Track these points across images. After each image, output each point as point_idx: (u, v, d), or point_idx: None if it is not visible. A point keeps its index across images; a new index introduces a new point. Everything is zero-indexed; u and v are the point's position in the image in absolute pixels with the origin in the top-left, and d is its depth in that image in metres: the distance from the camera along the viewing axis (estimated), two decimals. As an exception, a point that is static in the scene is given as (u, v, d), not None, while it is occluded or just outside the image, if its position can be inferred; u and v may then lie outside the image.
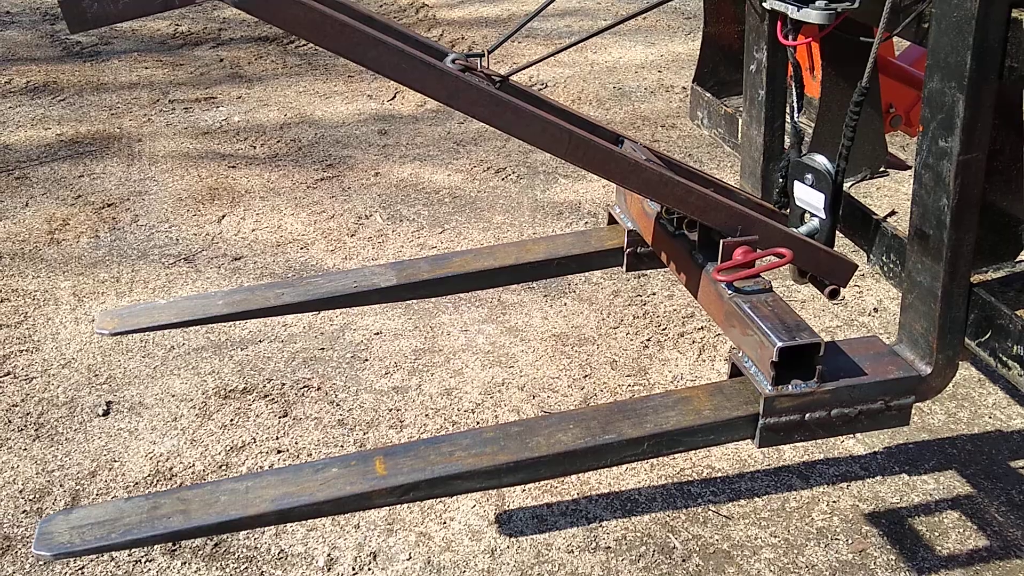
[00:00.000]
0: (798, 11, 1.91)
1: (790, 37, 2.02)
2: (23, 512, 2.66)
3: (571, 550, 2.55)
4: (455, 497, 2.69)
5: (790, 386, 1.71)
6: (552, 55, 2.08)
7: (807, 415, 1.74)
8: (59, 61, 6.22)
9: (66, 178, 4.63)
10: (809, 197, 1.99)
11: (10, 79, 5.89)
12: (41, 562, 2.48)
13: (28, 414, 3.04)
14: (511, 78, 1.96)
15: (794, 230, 1.98)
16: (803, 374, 1.72)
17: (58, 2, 1.34)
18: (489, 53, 1.86)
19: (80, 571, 2.47)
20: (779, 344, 1.66)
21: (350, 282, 2.21)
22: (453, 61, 1.80)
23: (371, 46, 1.52)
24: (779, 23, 2.07)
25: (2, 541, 2.56)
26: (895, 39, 2.07)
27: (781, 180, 2.08)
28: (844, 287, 2.00)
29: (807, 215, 2.04)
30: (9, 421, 3.00)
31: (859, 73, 1.85)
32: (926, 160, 1.73)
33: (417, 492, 1.59)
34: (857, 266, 2.00)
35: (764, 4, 2.07)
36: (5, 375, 3.22)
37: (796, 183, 2.02)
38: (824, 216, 1.98)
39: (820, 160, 1.96)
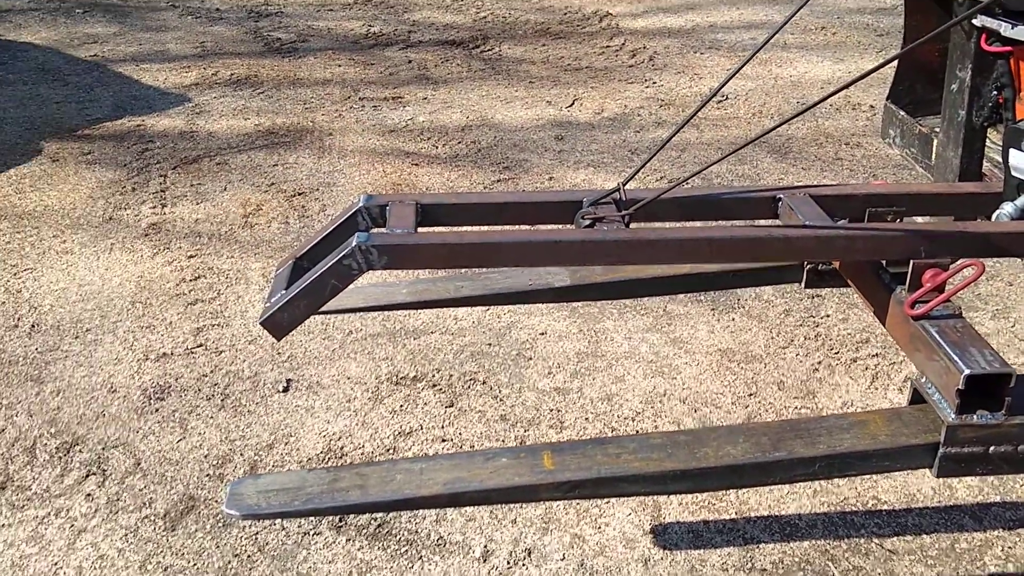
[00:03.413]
0: (1012, 28, 1.83)
1: (996, 47, 1.93)
2: (207, 476, 2.85)
3: (726, 568, 2.52)
4: (611, 502, 2.70)
5: (975, 416, 1.64)
6: (650, 158, 2.06)
7: (992, 448, 1.67)
8: (260, 56, 6.62)
9: (261, 166, 4.92)
10: None
11: (216, 71, 6.31)
12: (225, 521, 2.65)
13: (216, 384, 3.25)
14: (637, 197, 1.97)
15: (996, 221, 1.88)
16: (990, 405, 1.64)
17: (260, 324, 1.74)
18: (623, 186, 1.90)
19: (255, 536, 2.63)
20: (967, 371, 1.60)
21: (526, 279, 2.26)
22: (583, 216, 1.85)
23: (498, 252, 1.71)
24: (983, 36, 1.99)
25: (188, 501, 2.75)
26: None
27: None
28: None
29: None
30: (199, 390, 3.22)
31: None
32: None
33: (583, 490, 1.62)
34: None
35: (973, 21, 1.99)
36: (198, 346, 3.46)
37: (1012, 151, 1.90)
38: None
39: None
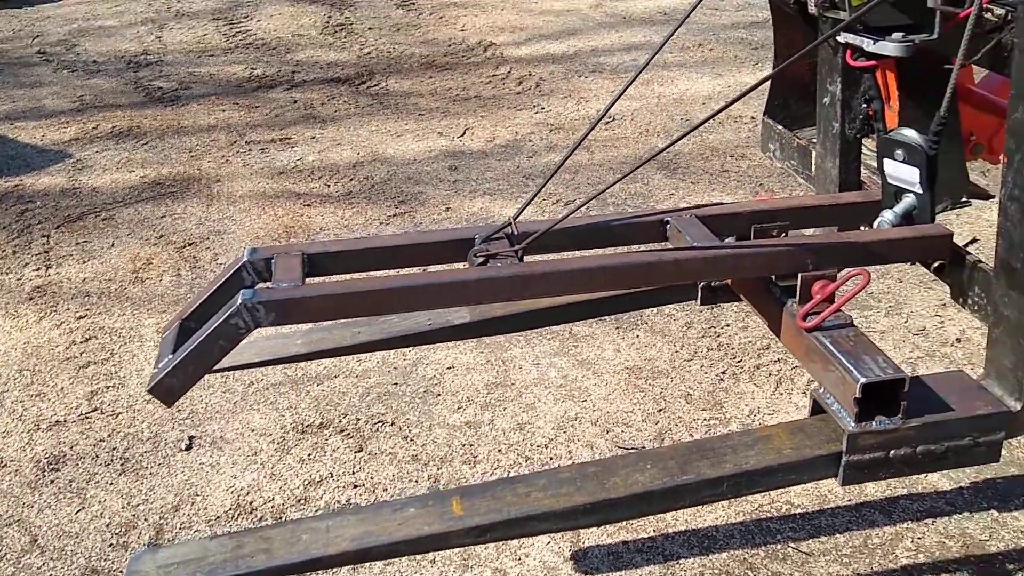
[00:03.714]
0: (874, 44, 1.90)
1: (861, 61, 2.00)
2: (110, 546, 2.73)
3: (648, 588, 2.52)
4: (530, 533, 2.68)
5: (874, 423, 1.68)
6: (547, 182, 2.07)
7: (892, 452, 1.70)
8: (142, 106, 6.45)
9: (149, 219, 4.78)
10: (902, 173, 1.94)
11: (96, 125, 6.12)
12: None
13: (114, 449, 3.12)
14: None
15: (877, 229, 1.94)
16: (887, 410, 1.68)
17: (148, 391, 1.69)
18: (515, 219, 1.90)
19: (164, 605, 2.52)
20: (863, 380, 1.63)
21: (424, 320, 2.23)
22: (476, 253, 1.85)
23: (391, 298, 1.68)
24: (848, 52, 2.05)
25: (90, 574, 2.62)
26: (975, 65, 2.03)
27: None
28: (947, 260, 1.95)
29: (901, 193, 1.98)
30: (97, 456, 3.09)
31: (937, 102, 1.82)
32: (1012, 192, 1.69)
33: (494, 533, 1.60)
34: (952, 232, 1.94)
35: (839, 38, 2.05)
36: (93, 411, 3.32)
37: (886, 160, 1.97)
38: (921, 191, 1.93)
39: (910, 133, 1.91)
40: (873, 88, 2.13)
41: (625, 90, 2.05)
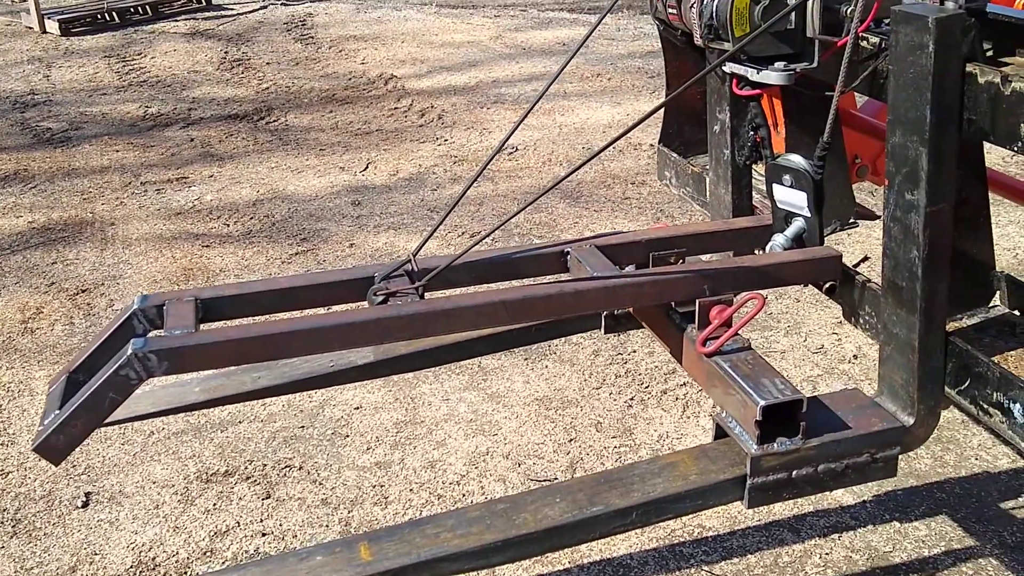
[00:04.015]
0: (758, 73, 1.95)
1: (747, 90, 2.05)
2: (2, 614, 2.59)
3: (565, 621, 2.51)
4: (445, 572, 2.64)
5: (776, 444, 1.70)
6: (447, 213, 2.09)
7: (794, 472, 1.73)
8: (29, 148, 6.23)
9: (39, 266, 4.60)
10: (790, 198, 1.99)
11: (-20, 169, 5.89)
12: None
13: (4, 510, 2.97)
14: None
15: (769, 252, 1.98)
16: (788, 432, 1.71)
17: (33, 450, 1.59)
18: (414, 256, 1.89)
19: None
20: (762, 403, 1.65)
21: (327, 361, 2.19)
22: (376, 292, 1.83)
23: (290, 342, 1.64)
24: (735, 80, 2.10)
25: (-20, 646, 2.49)
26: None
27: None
28: (838, 280, 2.00)
29: (791, 217, 2.04)
30: (-15, 519, 2.94)
31: (822, 128, 1.87)
32: (894, 213, 1.75)
33: (404, 577, 1.56)
34: (841, 254, 1.99)
35: (724, 68, 2.10)
36: (-20, 471, 3.16)
37: (775, 186, 2.02)
38: (809, 214, 1.98)
39: (796, 159, 1.96)
40: (760, 116, 2.19)
41: (521, 122, 2.05)
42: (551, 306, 1.78)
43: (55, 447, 1.56)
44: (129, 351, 1.54)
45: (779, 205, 2.04)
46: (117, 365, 1.54)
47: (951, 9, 1.63)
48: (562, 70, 2.09)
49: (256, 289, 1.86)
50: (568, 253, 2.00)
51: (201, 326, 1.72)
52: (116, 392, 1.56)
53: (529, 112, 2.05)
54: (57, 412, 1.59)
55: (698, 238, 2.13)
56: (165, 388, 2.18)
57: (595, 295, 1.80)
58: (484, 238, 1.94)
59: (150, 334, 1.74)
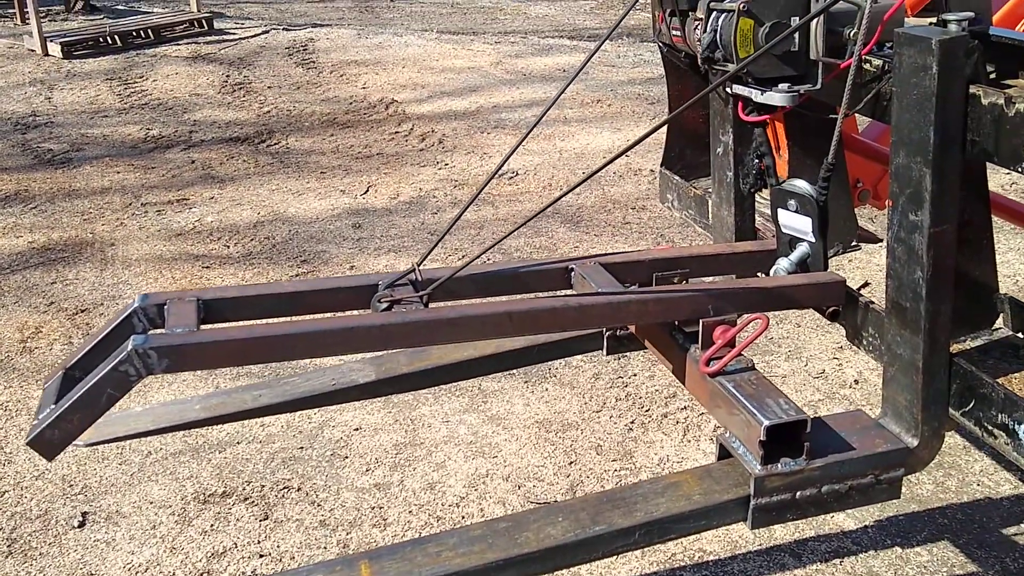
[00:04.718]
0: (762, 95, 1.95)
1: (753, 116, 2.06)
2: (-5, 634, 2.56)
3: (565, 645, 2.48)
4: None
5: (780, 464, 1.69)
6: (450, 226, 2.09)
7: (798, 493, 1.72)
8: (31, 169, 6.24)
9: (38, 285, 4.60)
10: (795, 223, 1.99)
11: (-19, 189, 5.90)
12: None
13: (1, 529, 2.95)
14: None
15: (774, 276, 1.98)
16: (792, 452, 1.70)
17: (27, 444, 1.55)
18: (419, 266, 1.90)
19: None
20: (766, 423, 1.64)
21: (328, 380, 2.18)
22: (380, 299, 1.83)
23: (291, 344, 1.62)
24: (740, 104, 2.11)
25: (-27, 666, 2.46)
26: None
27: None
28: (840, 305, 2.00)
29: (795, 242, 2.04)
30: (-19, 538, 2.92)
31: (825, 150, 1.88)
32: (898, 234, 1.75)
33: (405, 595, 1.55)
34: (845, 279, 1.99)
35: (727, 89, 2.11)
36: (-24, 490, 3.14)
37: (780, 211, 2.02)
38: (814, 239, 1.98)
39: (801, 184, 1.97)
40: (764, 144, 2.20)
41: (521, 143, 2.06)
42: (556, 319, 1.77)
43: (49, 441, 1.53)
44: (130, 347, 1.52)
45: (784, 230, 2.04)
46: (116, 361, 1.52)
47: (954, 32, 1.64)
48: (561, 94, 2.10)
49: (259, 292, 1.85)
50: (572, 269, 2.00)
51: (202, 327, 1.71)
52: (114, 388, 1.53)
53: (528, 134, 2.06)
54: (53, 407, 1.55)
55: (701, 260, 2.13)
56: (165, 405, 2.17)
57: (600, 310, 1.80)
58: (489, 249, 1.94)
59: (150, 332, 1.73)
